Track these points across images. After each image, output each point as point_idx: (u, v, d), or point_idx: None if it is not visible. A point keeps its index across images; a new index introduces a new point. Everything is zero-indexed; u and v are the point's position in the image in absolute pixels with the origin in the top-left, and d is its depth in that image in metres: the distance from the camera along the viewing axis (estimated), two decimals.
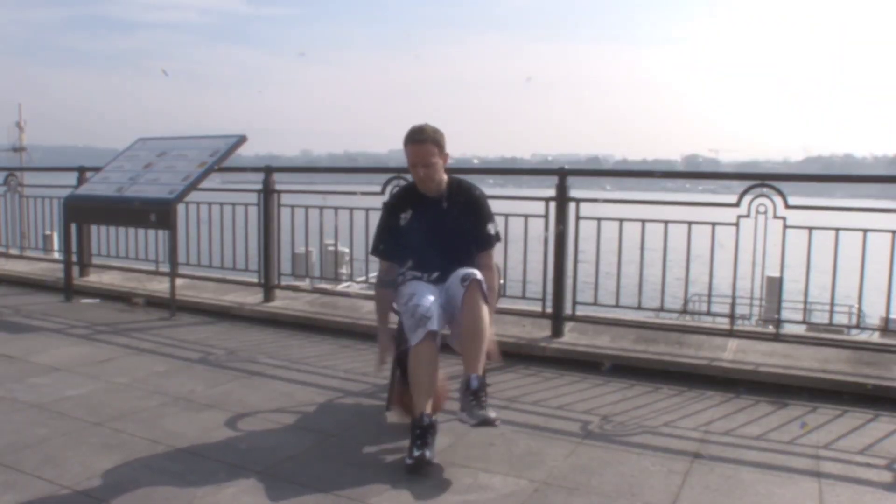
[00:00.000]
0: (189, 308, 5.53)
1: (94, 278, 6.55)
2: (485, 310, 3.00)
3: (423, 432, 2.78)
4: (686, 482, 2.68)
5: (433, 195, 3.28)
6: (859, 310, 6.27)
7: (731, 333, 4.25)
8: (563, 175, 4.44)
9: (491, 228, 3.32)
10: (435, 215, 3.28)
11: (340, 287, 6.81)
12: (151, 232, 5.91)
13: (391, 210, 3.38)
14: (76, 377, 3.90)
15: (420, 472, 2.71)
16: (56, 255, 8.38)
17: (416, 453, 2.73)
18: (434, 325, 2.95)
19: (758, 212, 4.03)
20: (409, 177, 3.38)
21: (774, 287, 5.13)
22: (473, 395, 2.85)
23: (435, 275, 3.28)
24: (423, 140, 3.18)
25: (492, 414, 2.82)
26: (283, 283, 5.77)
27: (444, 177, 3.29)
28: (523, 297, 4.73)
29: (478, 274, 3.07)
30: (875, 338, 5.53)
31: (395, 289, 3.33)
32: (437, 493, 2.58)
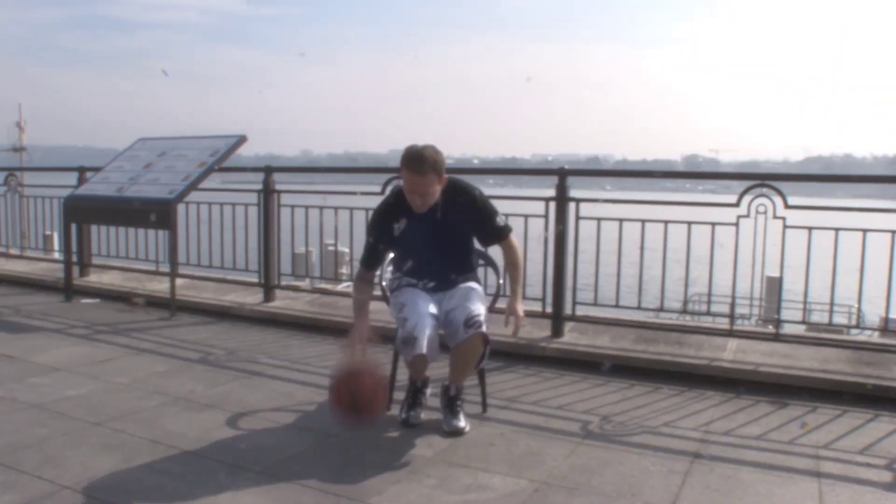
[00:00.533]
0: (189, 308, 5.53)
1: (95, 278, 6.55)
2: (479, 353, 3.12)
3: (415, 392, 3.27)
4: (686, 482, 2.68)
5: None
6: (859, 310, 6.27)
7: (730, 333, 4.25)
8: (563, 175, 4.44)
9: (500, 220, 3.28)
10: (431, 226, 3.21)
11: (340, 287, 6.82)
12: (151, 232, 5.91)
13: (384, 218, 3.29)
14: (76, 377, 3.90)
15: (412, 426, 3.18)
16: (56, 255, 8.38)
17: (403, 415, 3.22)
18: (422, 348, 2.98)
19: (757, 212, 4.03)
20: None
21: (774, 287, 5.14)
22: (449, 402, 3.16)
23: (431, 284, 3.28)
24: (423, 172, 3.04)
25: (461, 424, 3.14)
26: (283, 283, 5.77)
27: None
28: (523, 297, 4.72)
29: (483, 326, 3.07)
30: (875, 338, 5.54)
31: (390, 291, 3.39)
32: (437, 493, 2.58)
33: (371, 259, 3.34)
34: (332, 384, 2.97)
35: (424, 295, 3.22)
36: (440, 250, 3.26)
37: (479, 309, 3.13)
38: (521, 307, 3.20)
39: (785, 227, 3.99)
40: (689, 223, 4.25)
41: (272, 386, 3.78)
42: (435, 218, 3.20)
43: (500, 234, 3.29)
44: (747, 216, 4.06)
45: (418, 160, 3.04)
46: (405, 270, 3.34)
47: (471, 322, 3.05)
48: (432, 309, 3.13)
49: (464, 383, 3.23)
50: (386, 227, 3.27)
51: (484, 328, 3.07)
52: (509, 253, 3.32)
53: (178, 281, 5.62)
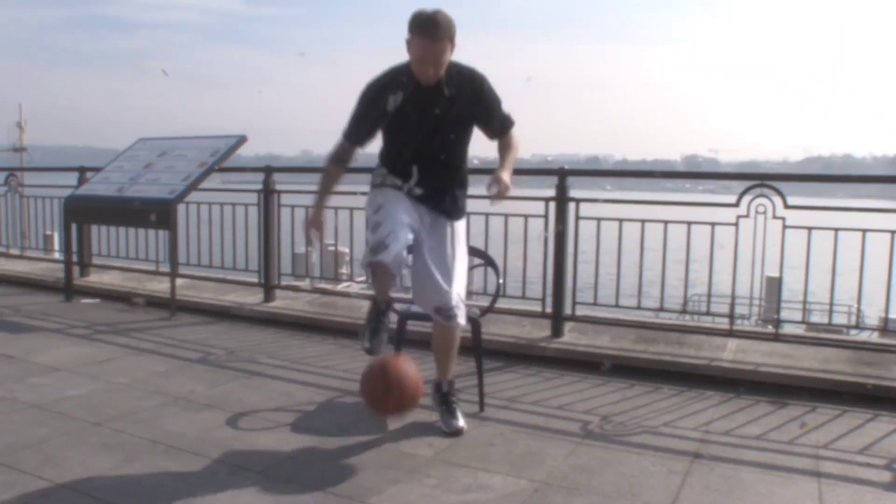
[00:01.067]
0: (189, 308, 5.54)
1: (95, 278, 6.55)
2: (457, 340, 3.10)
3: (378, 316, 2.94)
4: (686, 482, 2.68)
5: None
6: (858, 310, 6.27)
7: (730, 333, 4.25)
8: (562, 175, 4.44)
9: (505, 108, 3.05)
10: (432, 101, 2.89)
11: (340, 287, 6.82)
12: (152, 232, 5.91)
13: (380, 89, 2.91)
14: (76, 377, 3.90)
15: (373, 356, 2.94)
16: (56, 255, 8.38)
17: (366, 344, 2.94)
18: (389, 256, 2.75)
19: (757, 212, 4.03)
20: None
21: (774, 287, 5.14)
22: (444, 399, 3.16)
23: (419, 191, 2.99)
24: (439, 37, 2.74)
25: (460, 423, 3.11)
26: (283, 283, 5.77)
27: None
28: (523, 297, 4.74)
29: (459, 316, 2.99)
30: (875, 338, 5.54)
31: (371, 187, 3.07)
32: (437, 493, 2.58)
33: (358, 129, 2.98)
34: (366, 375, 2.81)
35: (406, 202, 2.95)
36: (437, 133, 2.95)
37: (458, 289, 2.96)
38: (507, 176, 2.88)
39: (784, 227, 3.99)
40: (689, 223, 4.25)
41: (272, 386, 3.78)
42: (438, 93, 2.90)
43: (507, 124, 3.05)
44: (747, 216, 4.06)
45: (434, 25, 2.75)
46: (392, 162, 3.02)
47: (446, 313, 2.95)
48: (410, 221, 2.91)
49: (453, 377, 3.17)
50: (380, 97, 2.91)
51: (461, 317, 2.97)
52: (511, 139, 3.06)
53: (178, 281, 5.62)
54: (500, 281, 3.58)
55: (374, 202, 2.98)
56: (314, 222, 3.13)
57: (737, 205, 4.09)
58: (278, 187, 5.61)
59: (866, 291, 4.10)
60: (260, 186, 5.59)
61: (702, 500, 2.56)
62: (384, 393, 2.75)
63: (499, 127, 3.08)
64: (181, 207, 5.61)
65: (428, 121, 2.92)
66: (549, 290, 4.49)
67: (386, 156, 3.09)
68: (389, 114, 2.92)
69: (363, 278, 7.82)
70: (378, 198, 2.98)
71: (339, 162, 3.10)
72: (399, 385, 2.74)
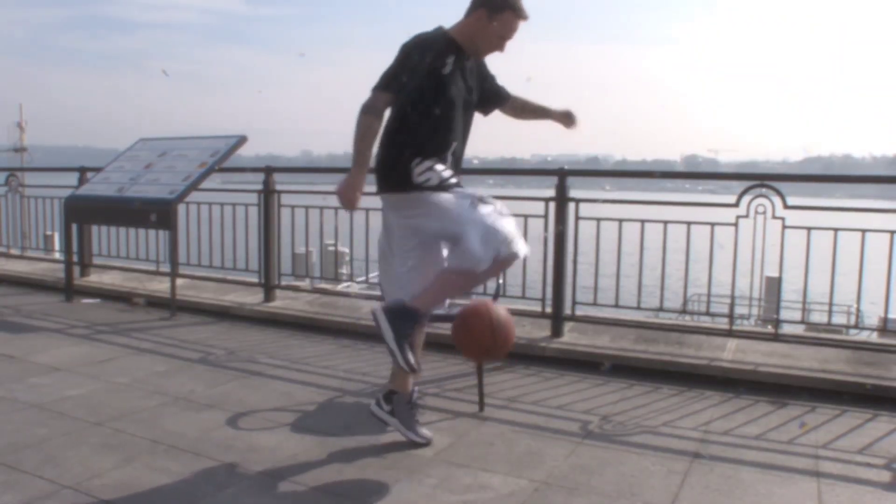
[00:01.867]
0: (189, 308, 5.54)
1: (95, 278, 6.55)
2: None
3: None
4: (686, 482, 2.69)
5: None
6: (858, 310, 6.28)
7: (730, 333, 4.25)
8: (562, 175, 4.44)
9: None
10: (476, 73, 2.83)
11: (340, 287, 6.82)
12: (152, 232, 5.92)
13: (439, 47, 2.68)
14: (76, 377, 3.91)
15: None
16: (57, 256, 8.39)
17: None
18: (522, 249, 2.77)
19: (757, 212, 4.04)
20: None
21: (773, 287, 5.15)
22: (414, 409, 3.02)
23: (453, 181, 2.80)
24: (528, 15, 2.75)
25: (429, 433, 3.01)
26: (284, 283, 5.78)
27: None
28: (523, 298, 4.74)
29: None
30: (874, 338, 5.54)
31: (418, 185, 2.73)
32: (437, 493, 2.59)
33: (407, 78, 2.64)
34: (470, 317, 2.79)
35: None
36: (470, 111, 2.87)
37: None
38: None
39: (784, 227, 3.99)
40: (689, 223, 4.26)
41: (272, 386, 3.79)
42: (475, 66, 2.86)
43: (504, 89, 3.03)
44: (746, 216, 4.07)
45: (522, 3, 2.76)
46: (436, 146, 2.74)
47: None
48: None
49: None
50: (441, 55, 2.67)
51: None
52: (519, 97, 3.10)
53: (179, 281, 5.62)
54: (500, 281, 3.58)
55: (454, 211, 2.74)
56: (354, 189, 2.64)
57: (736, 205, 4.10)
58: (278, 187, 5.62)
59: (866, 291, 4.10)
60: (260, 186, 5.60)
61: (702, 500, 2.56)
62: (491, 335, 2.80)
63: (503, 92, 3.06)
64: (181, 207, 5.62)
65: (472, 101, 2.86)
66: (549, 290, 4.50)
67: (429, 138, 2.74)
68: (442, 77, 2.67)
69: (363, 279, 7.81)
70: (456, 206, 2.77)
71: (378, 115, 2.66)
72: (506, 328, 2.83)
